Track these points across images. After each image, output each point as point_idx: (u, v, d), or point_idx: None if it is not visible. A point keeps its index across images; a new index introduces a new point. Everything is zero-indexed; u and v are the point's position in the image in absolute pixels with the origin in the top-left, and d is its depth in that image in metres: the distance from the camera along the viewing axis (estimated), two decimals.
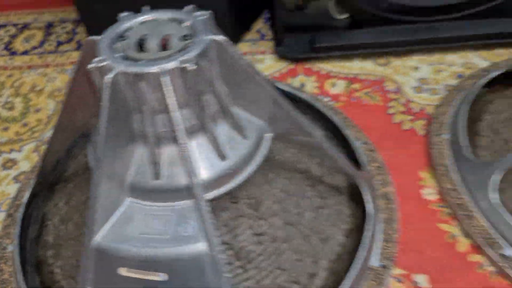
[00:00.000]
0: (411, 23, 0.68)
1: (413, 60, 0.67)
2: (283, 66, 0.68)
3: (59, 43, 0.80)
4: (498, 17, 0.68)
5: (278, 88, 0.44)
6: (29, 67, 0.75)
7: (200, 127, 0.36)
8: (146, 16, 0.37)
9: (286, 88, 0.58)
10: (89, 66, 0.33)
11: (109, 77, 0.31)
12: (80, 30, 0.82)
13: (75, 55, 0.76)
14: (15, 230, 0.45)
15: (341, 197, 0.45)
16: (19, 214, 0.46)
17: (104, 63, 0.32)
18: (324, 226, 0.42)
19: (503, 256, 0.41)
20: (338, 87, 0.64)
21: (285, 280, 0.38)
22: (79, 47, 0.78)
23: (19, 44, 0.81)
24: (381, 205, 0.46)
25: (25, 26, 0.86)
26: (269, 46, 0.72)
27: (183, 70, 0.32)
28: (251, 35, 0.76)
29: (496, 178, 0.44)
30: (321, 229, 0.42)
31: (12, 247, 0.44)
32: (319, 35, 0.68)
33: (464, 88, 0.58)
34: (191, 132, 0.35)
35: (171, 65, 0.31)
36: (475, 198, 0.45)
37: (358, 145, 0.51)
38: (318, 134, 0.40)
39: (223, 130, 0.37)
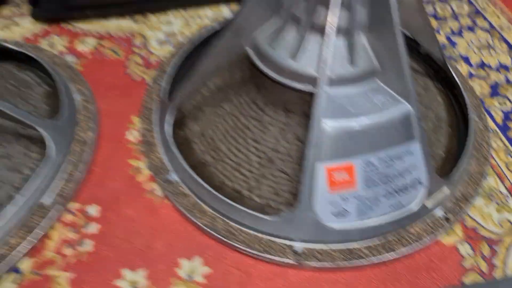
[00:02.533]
0: None
1: (169, 15, 0.71)
2: (39, 28, 0.68)
3: None
4: None
5: None
6: None
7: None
8: None
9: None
10: None
11: None
12: None
13: None
14: None
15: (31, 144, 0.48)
16: None
17: None
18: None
19: (167, 180, 0.47)
20: (87, 45, 0.65)
21: None
22: None
23: None
24: (76, 149, 0.49)
25: None
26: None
27: None
28: None
29: (169, 116, 0.49)
30: None
31: None
32: None
33: (193, 40, 0.63)
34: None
35: None
36: (159, 134, 0.51)
37: (76, 98, 0.55)
38: None
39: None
